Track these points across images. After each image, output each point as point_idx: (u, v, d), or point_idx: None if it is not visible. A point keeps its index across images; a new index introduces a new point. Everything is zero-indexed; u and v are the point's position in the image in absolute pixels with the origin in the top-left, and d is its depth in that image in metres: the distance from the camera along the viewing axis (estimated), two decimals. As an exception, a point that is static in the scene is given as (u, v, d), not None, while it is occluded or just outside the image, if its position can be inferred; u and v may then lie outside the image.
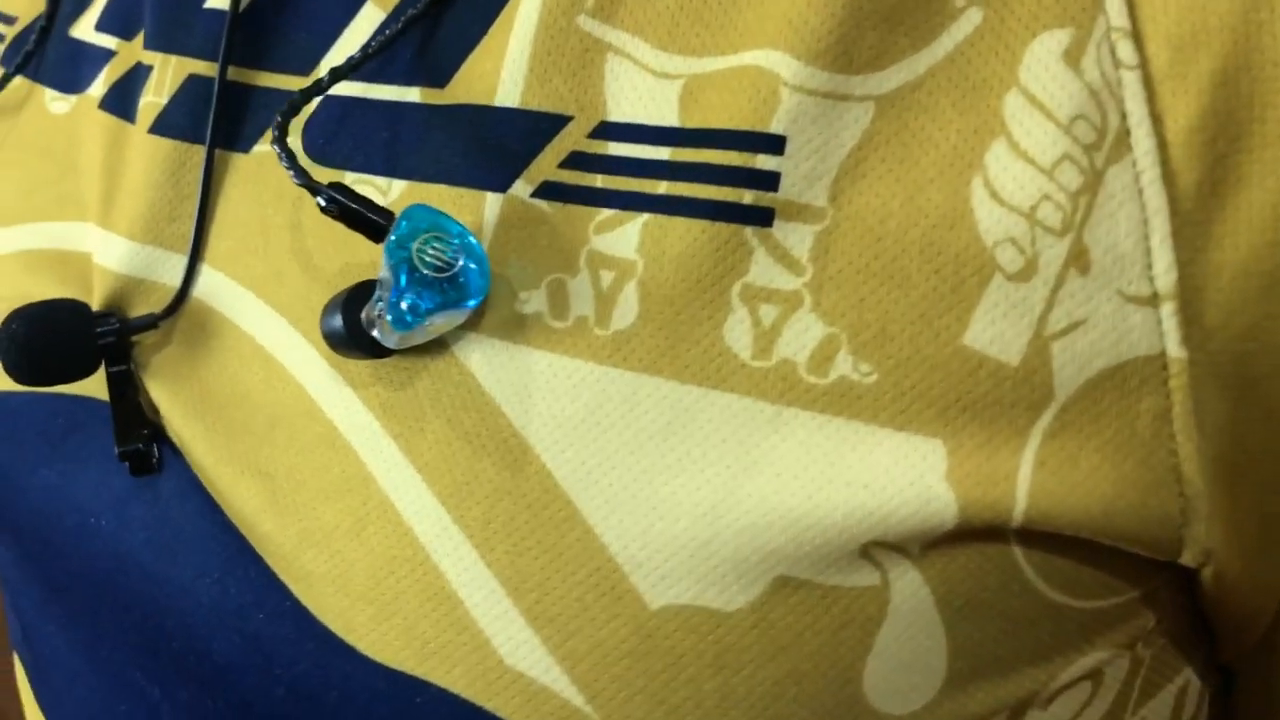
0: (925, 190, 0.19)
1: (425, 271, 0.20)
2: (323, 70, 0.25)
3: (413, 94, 0.23)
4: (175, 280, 0.27)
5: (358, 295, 0.22)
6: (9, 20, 0.36)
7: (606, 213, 0.21)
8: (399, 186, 0.23)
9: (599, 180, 0.21)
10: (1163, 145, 0.18)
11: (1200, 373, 0.18)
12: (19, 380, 0.26)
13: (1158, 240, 0.18)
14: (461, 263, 0.21)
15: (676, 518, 0.20)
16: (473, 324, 0.22)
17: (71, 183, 0.31)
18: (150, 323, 0.26)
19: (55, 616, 0.31)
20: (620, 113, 0.21)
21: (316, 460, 0.23)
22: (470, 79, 0.23)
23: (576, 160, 0.21)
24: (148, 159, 0.27)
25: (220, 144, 0.26)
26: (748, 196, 0.20)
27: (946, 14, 0.19)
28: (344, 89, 0.25)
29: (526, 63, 0.22)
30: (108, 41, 0.31)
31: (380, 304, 0.21)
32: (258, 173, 0.26)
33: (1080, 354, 0.19)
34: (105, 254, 0.28)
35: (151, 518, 0.27)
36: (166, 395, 0.26)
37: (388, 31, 0.23)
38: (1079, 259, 0.18)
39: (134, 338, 0.27)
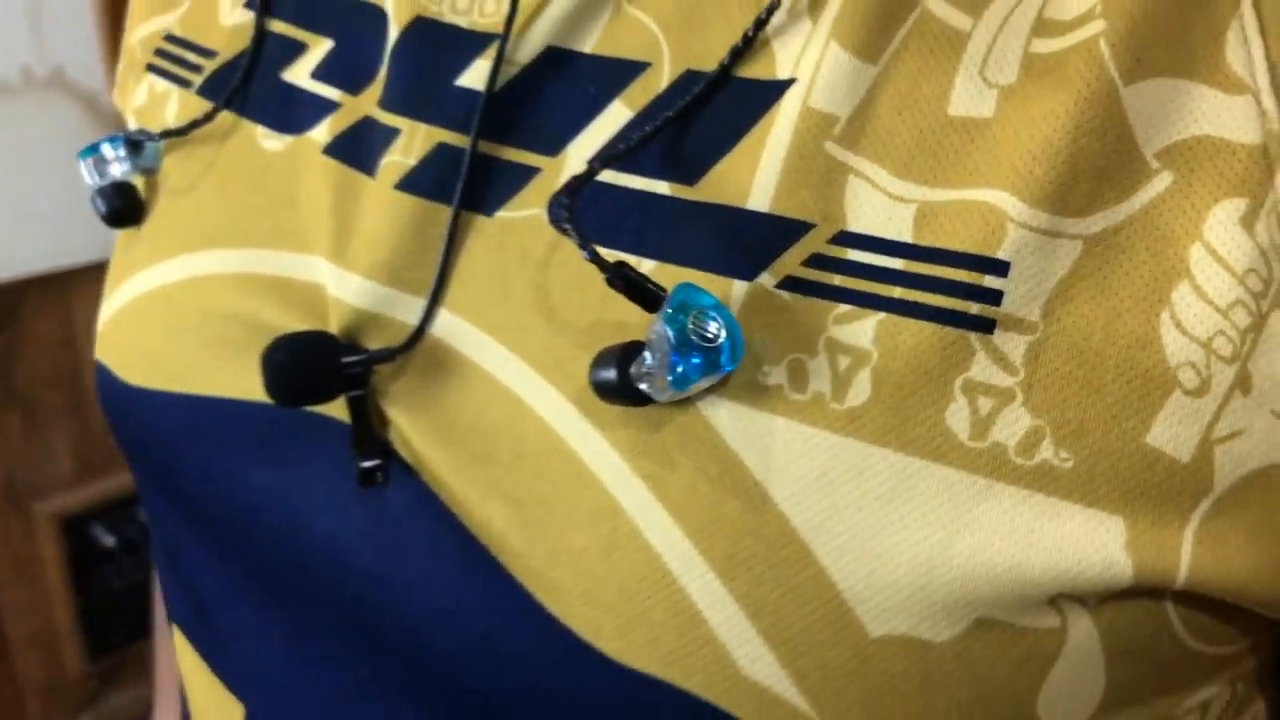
0: (1122, 317, 0.24)
1: (697, 340, 0.25)
2: (570, 154, 0.29)
3: (662, 186, 0.28)
4: (412, 318, 0.31)
5: (628, 352, 0.26)
6: (209, 54, 0.39)
7: (844, 308, 0.25)
8: (648, 265, 0.27)
9: (837, 280, 0.25)
10: None
11: None
12: (275, 400, 0.30)
13: None
14: (725, 334, 0.25)
15: (897, 565, 0.24)
16: (717, 388, 0.26)
17: (288, 216, 0.34)
18: (389, 355, 0.30)
19: (250, 598, 0.35)
20: (859, 225, 0.25)
21: (565, 492, 0.27)
22: (721, 181, 0.27)
23: (818, 261, 0.25)
24: (391, 211, 0.31)
25: (465, 206, 0.30)
26: (974, 308, 0.24)
27: (1144, 174, 0.24)
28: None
29: (778, 175, 0.26)
30: (329, 92, 0.34)
31: (651, 363, 0.25)
32: (500, 236, 0.30)
33: (1236, 457, 0.23)
34: (341, 288, 0.32)
35: (375, 523, 0.31)
36: (408, 419, 0.30)
37: (647, 128, 0.27)
38: (1243, 383, 0.23)
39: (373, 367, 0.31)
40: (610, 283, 0.25)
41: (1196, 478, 0.24)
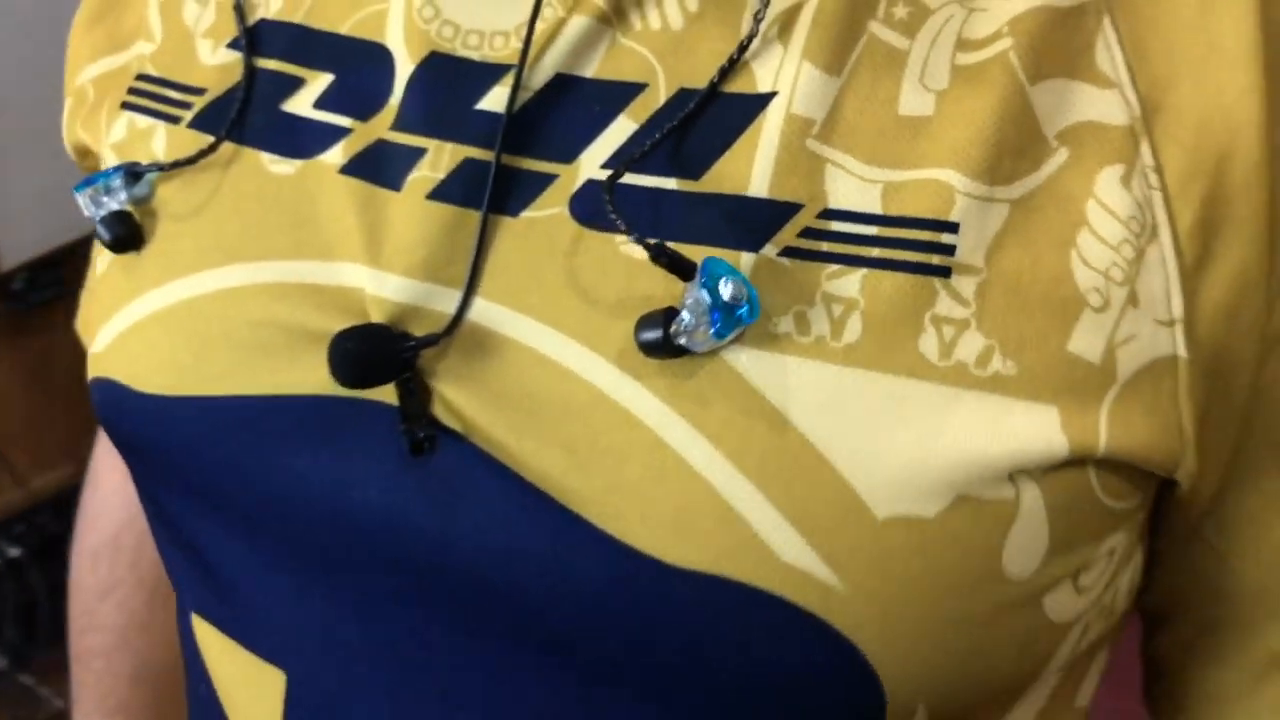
0: (1043, 259, 0.32)
1: (728, 301, 0.31)
2: (583, 161, 0.35)
3: (670, 183, 0.34)
4: (450, 308, 0.36)
5: (668, 316, 0.32)
6: (196, 91, 0.43)
7: (834, 267, 0.32)
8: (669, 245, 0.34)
9: (826, 246, 0.32)
10: (1175, 236, 0.32)
11: (1195, 366, 0.32)
12: (344, 384, 0.35)
13: (1174, 289, 0.32)
14: (747, 295, 0.31)
15: (894, 462, 0.31)
16: (738, 339, 0.32)
17: (309, 230, 0.39)
18: (433, 340, 0.35)
19: (288, 571, 0.39)
20: (838, 203, 0.32)
21: (615, 435, 0.33)
22: (721, 175, 0.33)
23: (810, 233, 0.33)
24: (425, 218, 0.36)
25: (493, 209, 0.36)
26: (934, 259, 0.32)
27: (1047, 150, 0.32)
28: (605, 176, 0.35)
29: (771, 168, 0.33)
30: (337, 120, 0.39)
31: (689, 322, 0.31)
32: (526, 233, 0.36)
33: (1132, 354, 0.32)
34: (380, 287, 0.36)
35: (427, 486, 0.36)
36: (460, 392, 0.35)
37: (656, 135, 0.34)
38: (1133, 299, 0.32)
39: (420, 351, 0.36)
40: (654, 259, 0.31)
41: (1105, 373, 0.32)
